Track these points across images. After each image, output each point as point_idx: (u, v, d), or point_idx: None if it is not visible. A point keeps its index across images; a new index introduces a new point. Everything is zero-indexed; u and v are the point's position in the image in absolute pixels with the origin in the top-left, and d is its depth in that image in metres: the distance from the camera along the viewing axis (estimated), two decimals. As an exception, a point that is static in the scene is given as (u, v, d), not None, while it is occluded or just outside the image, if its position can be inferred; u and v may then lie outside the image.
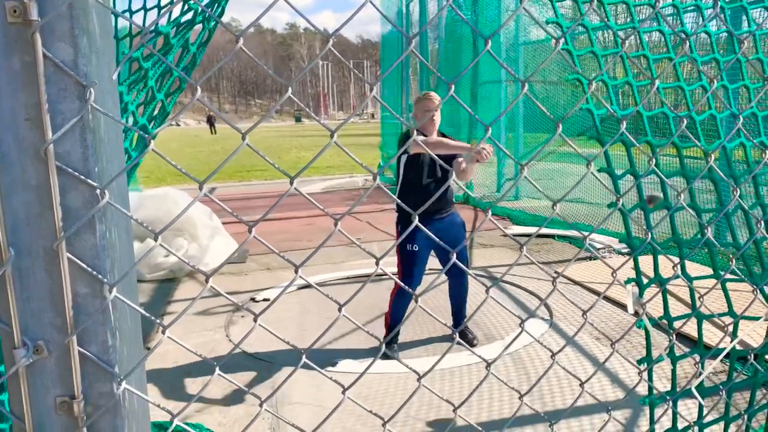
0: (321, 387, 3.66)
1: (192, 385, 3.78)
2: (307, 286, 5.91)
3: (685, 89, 1.46)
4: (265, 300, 5.50)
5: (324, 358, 4.10)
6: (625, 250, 6.75)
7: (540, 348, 4.15)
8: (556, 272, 5.92)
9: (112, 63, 0.83)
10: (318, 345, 4.30)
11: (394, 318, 4.21)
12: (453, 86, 0.86)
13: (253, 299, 5.52)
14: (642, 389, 3.39)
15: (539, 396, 3.43)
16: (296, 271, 0.86)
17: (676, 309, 4.50)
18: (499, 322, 4.72)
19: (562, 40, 0.99)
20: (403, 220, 4.13)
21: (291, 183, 0.83)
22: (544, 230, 7.84)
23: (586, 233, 7.15)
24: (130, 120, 1.45)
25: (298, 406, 3.47)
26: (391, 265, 5.67)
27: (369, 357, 4.10)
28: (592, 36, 1.30)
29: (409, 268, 4.08)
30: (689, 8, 1.47)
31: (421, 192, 3.98)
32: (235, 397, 3.57)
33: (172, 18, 1.47)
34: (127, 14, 1.50)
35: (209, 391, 3.65)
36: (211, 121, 56.97)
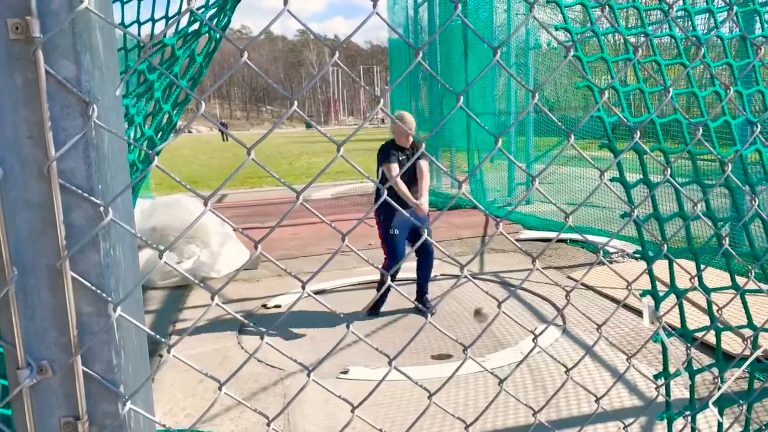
0: (332, 394, 3.64)
1: (205, 392, 3.78)
2: (321, 291, 5.90)
3: (699, 95, 1.43)
4: (276, 306, 5.49)
5: (336, 364, 4.08)
6: (639, 255, 6.68)
7: (555, 354, 4.11)
8: (569, 277, 5.83)
9: (116, 78, 0.82)
10: (327, 351, 4.28)
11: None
12: (462, 98, 0.84)
13: (264, 306, 5.52)
14: (661, 398, 3.34)
15: (555, 403, 3.39)
16: (303, 287, 0.84)
17: (694, 316, 4.44)
18: (513, 327, 4.68)
19: (572, 49, 0.97)
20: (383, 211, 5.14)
21: (297, 198, 0.82)
22: (554, 234, 7.78)
23: (600, 243, 7.08)
24: (137, 132, 1.45)
25: (309, 412, 3.45)
26: (402, 271, 5.66)
27: (381, 363, 4.08)
28: (602, 42, 1.27)
29: (392, 250, 5.07)
30: (701, 11, 1.44)
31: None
32: (246, 407, 3.56)
33: (178, 29, 1.46)
34: (130, 28, 1.50)
35: (221, 400, 3.64)
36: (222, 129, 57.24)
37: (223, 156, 29.77)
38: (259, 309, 5.46)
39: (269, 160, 25.17)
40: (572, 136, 0.93)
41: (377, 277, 6.16)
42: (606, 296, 5.28)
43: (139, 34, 1.72)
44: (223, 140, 49.93)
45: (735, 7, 1.18)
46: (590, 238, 7.37)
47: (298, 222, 9.12)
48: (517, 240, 7.81)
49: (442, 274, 6.27)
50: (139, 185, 1.68)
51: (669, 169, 1.15)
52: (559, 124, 1.02)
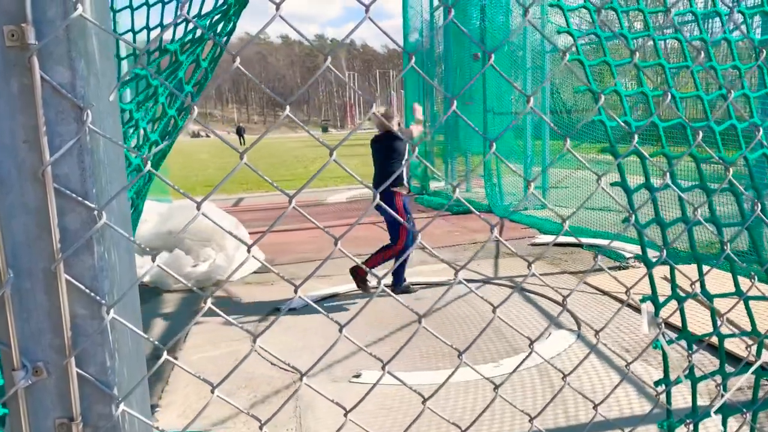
0: (344, 398, 3.64)
1: (219, 393, 3.80)
2: (332, 295, 5.91)
3: (704, 98, 1.41)
4: (291, 310, 5.51)
5: (349, 368, 4.09)
6: (654, 259, 6.60)
7: (567, 360, 4.08)
8: (585, 282, 5.76)
9: (112, 83, 0.83)
10: (341, 354, 4.30)
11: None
12: (455, 102, 0.84)
13: (277, 309, 5.54)
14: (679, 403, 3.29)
15: (563, 409, 3.36)
16: (295, 291, 0.85)
17: (702, 315, 4.38)
18: (528, 332, 4.64)
19: (568, 53, 0.97)
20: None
21: (290, 202, 0.83)
22: (572, 239, 7.73)
23: (618, 248, 7.00)
24: (143, 136, 1.46)
25: (322, 415, 3.46)
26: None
27: (394, 367, 4.08)
28: (605, 46, 1.26)
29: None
30: (709, 14, 1.42)
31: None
32: (259, 408, 3.58)
33: (186, 31, 1.48)
34: (139, 34, 1.52)
35: (234, 401, 3.67)
36: (240, 132, 57.98)
37: (238, 160, 29.89)
38: (273, 312, 5.49)
39: (284, 164, 25.28)
40: (568, 140, 0.92)
41: (384, 281, 6.16)
42: (621, 301, 5.22)
43: (148, 40, 1.74)
44: (241, 144, 50.35)
45: (736, 11, 1.17)
46: (604, 242, 7.30)
47: (313, 226, 9.14)
48: (532, 244, 7.76)
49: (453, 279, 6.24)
50: (147, 189, 1.70)
51: (668, 175, 1.14)
52: (554, 127, 1.01)
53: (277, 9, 0.77)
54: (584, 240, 7.53)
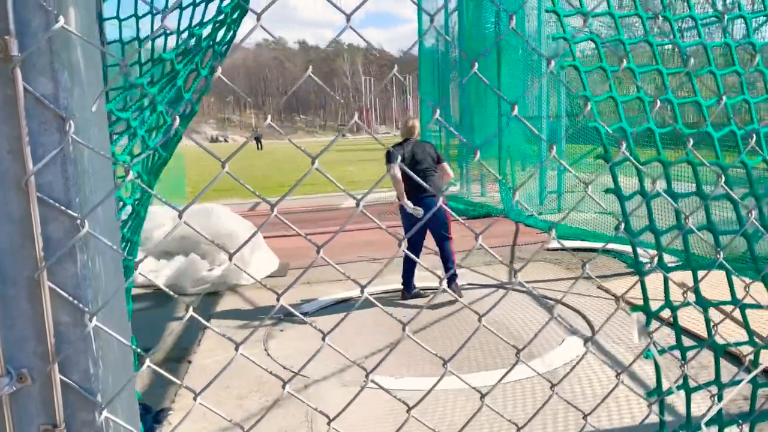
0: (355, 402, 3.64)
1: (230, 399, 3.81)
2: (345, 300, 5.92)
3: (702, 104, 1.39)
4: (303, 314, 5.53)
5: (360, 374, 4.08)
6: (673, 264, 6.52)
7: (579, 366, 4.04)
8: (600, 287, 5.69)
9: (98, 93, 0.84)
10: (353, 359, 4.30)
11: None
12: (438, 110, 0.84)
13: (290, 314, 5.56)
14: (679, 403, 3.24)
15: (575, 418, 3.33)
16: (278, 300, 0.85)
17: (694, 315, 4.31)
18: (538, 338, 4.61)
19: (558, 58, 0.96)
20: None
21: (272, 210, 0.83)
22: (588, 244, 7.67)
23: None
24: (142, 145, 1.48)
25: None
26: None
27: (407, 372, 4.07)
28: (601, 52, 1.25)
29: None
30: (709, 18, 1.41)
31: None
32: (270, 412, 3.58)
33: (181, 43, 1.49)
34: (144, 43, 1.53)
35: (246, 407, 3.69)
36: (257, 138, 58.47)
37: (257, 164, 30.14)
38: (286, 316, 5.51)
39: (299, 169, 25.33)
40: (554, 147, 0.92)
41: (395, 286, 6.16)
42: (637, 307, 5.16)
43: (152, 49, 1.76)
44: (258, 149, 50.69)
45: (741, 12, 1.16)
46: (618, 247, 7.23)
47: (329, 230, 9.17)
48: (546, 249, 7.71)
49: (469, 284, 6.23)
50: (148, 196, 1.71)
51: (661, 181, 1.12)
52: (535, 131, 1.00)
53: (258, 19, 0.77)
54: (600, 245, 7.45)
